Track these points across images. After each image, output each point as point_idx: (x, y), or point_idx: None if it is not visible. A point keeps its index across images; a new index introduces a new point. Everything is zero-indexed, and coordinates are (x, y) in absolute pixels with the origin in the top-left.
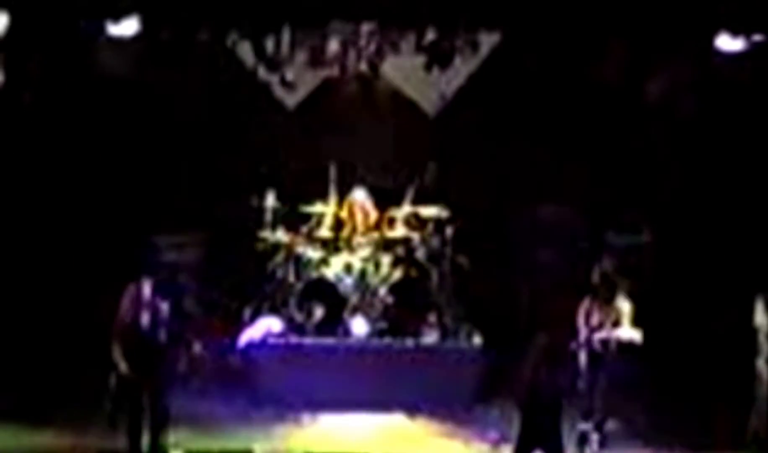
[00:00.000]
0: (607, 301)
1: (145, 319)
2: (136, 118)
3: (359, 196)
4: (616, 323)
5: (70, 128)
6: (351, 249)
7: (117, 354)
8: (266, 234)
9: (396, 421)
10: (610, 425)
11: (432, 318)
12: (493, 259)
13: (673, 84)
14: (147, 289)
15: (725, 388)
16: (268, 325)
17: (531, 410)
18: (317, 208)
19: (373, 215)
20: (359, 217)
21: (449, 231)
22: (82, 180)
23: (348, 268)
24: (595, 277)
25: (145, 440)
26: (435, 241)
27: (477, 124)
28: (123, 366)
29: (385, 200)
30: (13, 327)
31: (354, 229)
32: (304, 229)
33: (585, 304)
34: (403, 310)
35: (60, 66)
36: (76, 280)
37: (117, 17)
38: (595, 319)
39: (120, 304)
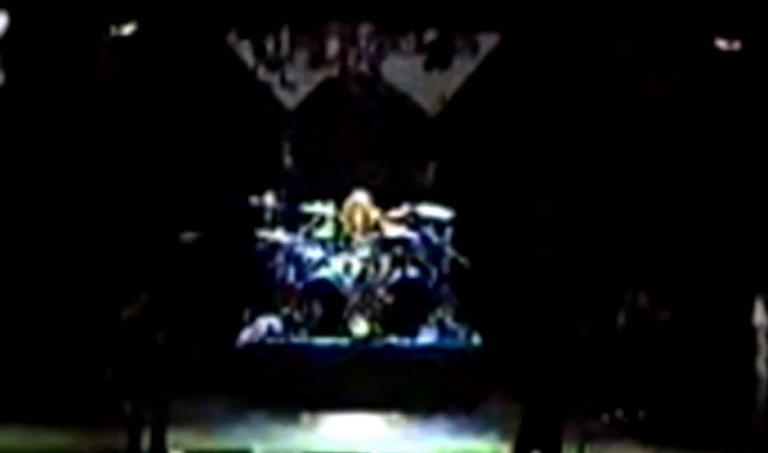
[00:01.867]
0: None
1: (144, 319)
2: (136, 119)
3: (360, 197)
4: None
5: (70, 128)
6: (351, 249)
7: (123, 352)
8: (266, 234)
9: (395, 421)
10: (610, 424)
11: (431, 318)
12: (493, 259)
13: (672, 84)
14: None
15: (725, 388)
16: (268, 324)
17: (533, 409)
18: (317, 208)
19: (374, 216)
20: (359, 219)
21: (449, 231)
22: (82, 180)
23: (348, 268)
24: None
25: (146, 440)
26: (435, 241)
27: (477, 124)
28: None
29: (384, 201)
30: (15, 328)
31: (353, 230)
32: (304, 229)
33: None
34: (402, 309)
35: (60, 66)
36: (76, 281)
37: (116, 17)
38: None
39: (122, 304)
